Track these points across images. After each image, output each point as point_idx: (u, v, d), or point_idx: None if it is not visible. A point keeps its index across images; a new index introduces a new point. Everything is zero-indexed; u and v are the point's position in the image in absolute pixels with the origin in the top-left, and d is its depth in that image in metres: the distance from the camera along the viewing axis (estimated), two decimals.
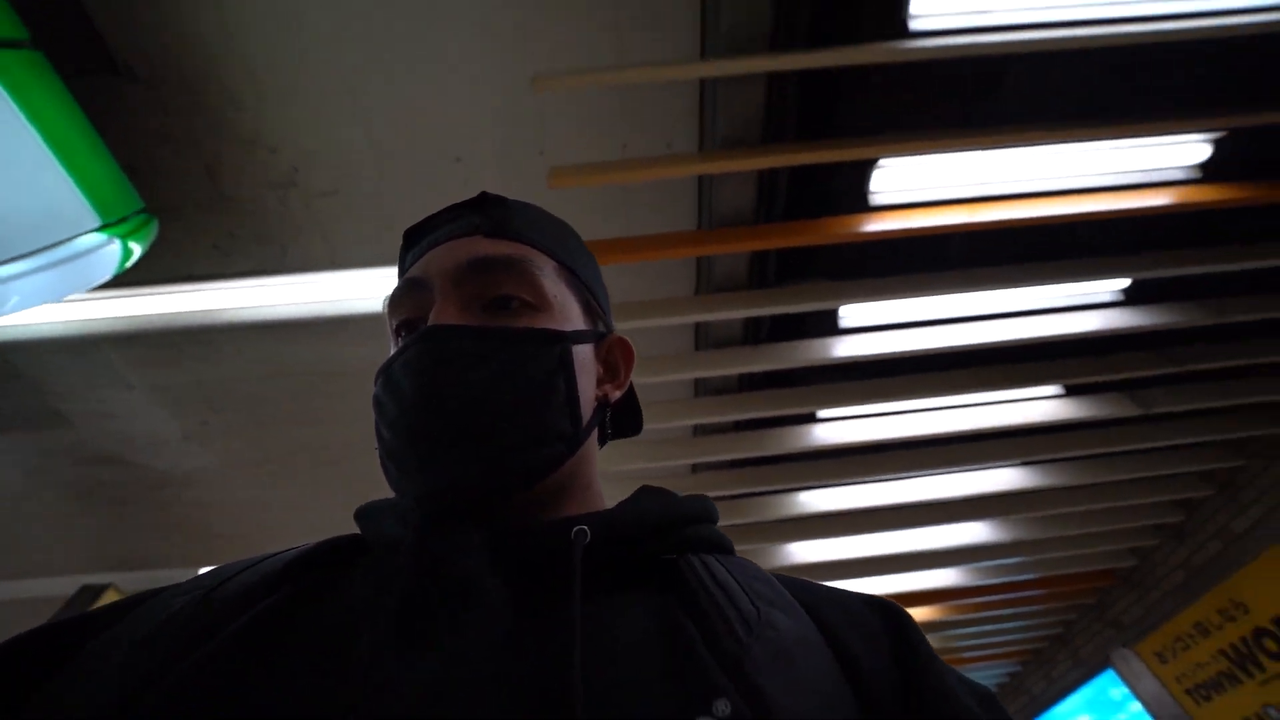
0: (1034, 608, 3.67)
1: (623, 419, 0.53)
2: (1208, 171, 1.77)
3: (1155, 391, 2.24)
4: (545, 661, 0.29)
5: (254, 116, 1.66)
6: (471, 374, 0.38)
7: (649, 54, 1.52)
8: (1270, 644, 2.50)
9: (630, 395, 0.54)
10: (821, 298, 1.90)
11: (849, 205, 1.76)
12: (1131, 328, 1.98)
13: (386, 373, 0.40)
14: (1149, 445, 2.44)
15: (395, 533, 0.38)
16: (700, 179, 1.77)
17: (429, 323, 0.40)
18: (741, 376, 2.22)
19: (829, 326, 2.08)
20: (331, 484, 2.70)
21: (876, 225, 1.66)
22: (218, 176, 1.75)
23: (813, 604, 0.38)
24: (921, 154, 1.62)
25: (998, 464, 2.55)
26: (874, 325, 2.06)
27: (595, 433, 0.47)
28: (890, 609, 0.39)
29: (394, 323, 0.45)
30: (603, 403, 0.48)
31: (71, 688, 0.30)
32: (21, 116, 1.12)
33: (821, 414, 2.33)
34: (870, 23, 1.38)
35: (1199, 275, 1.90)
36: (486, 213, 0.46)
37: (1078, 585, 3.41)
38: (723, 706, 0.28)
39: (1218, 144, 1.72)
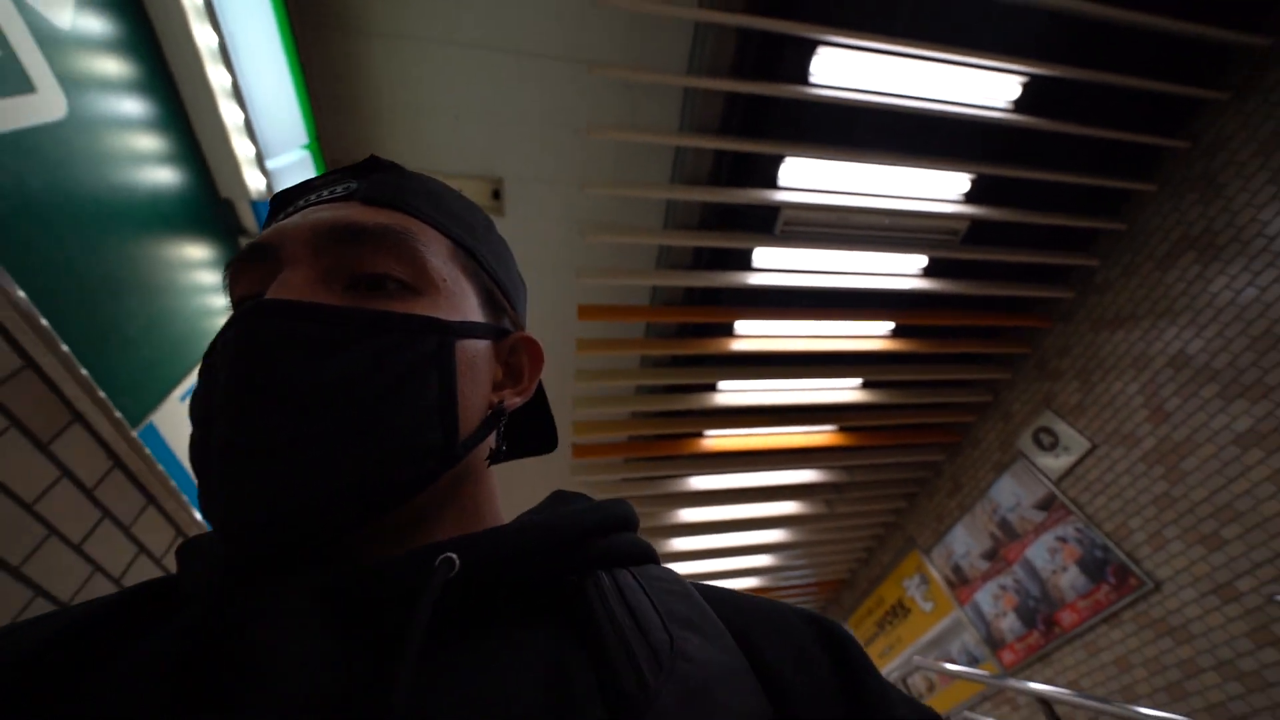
0: (801, 599, 6.59)
1: (526, 432, 0.47)
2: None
3: (836, 497, 4.95)
4: None
5: None
6: (310, 366, 0.30)
7: None
8: (889, 617, 5.49)
9: (538, 404, 0.47)
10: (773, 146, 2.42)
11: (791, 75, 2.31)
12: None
13: (206, 358, 0.33)
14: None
15: (207, 579, 0.30)
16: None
17: (265, 295, 0.32)
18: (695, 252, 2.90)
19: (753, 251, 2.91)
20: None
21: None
22: None
23: (736, 620, 0.34)
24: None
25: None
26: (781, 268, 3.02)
27: (485, 447, 0.39)
28: (830, 627, 0.36)
29: (231, 301, 0.37)
30: (496, 411, 0.39)
31: None
32: None
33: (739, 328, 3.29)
34: None
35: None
36: (370, 178, 0.39)
37: (826, 586, 6.39)
38: None
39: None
